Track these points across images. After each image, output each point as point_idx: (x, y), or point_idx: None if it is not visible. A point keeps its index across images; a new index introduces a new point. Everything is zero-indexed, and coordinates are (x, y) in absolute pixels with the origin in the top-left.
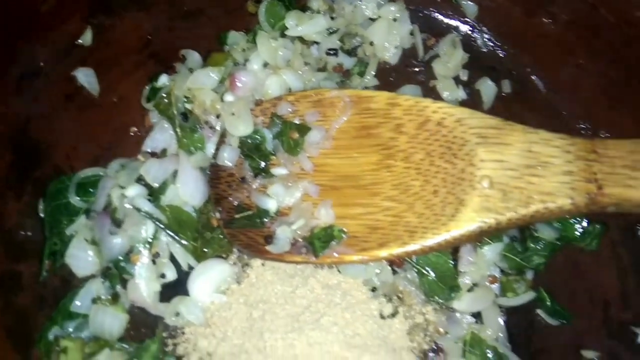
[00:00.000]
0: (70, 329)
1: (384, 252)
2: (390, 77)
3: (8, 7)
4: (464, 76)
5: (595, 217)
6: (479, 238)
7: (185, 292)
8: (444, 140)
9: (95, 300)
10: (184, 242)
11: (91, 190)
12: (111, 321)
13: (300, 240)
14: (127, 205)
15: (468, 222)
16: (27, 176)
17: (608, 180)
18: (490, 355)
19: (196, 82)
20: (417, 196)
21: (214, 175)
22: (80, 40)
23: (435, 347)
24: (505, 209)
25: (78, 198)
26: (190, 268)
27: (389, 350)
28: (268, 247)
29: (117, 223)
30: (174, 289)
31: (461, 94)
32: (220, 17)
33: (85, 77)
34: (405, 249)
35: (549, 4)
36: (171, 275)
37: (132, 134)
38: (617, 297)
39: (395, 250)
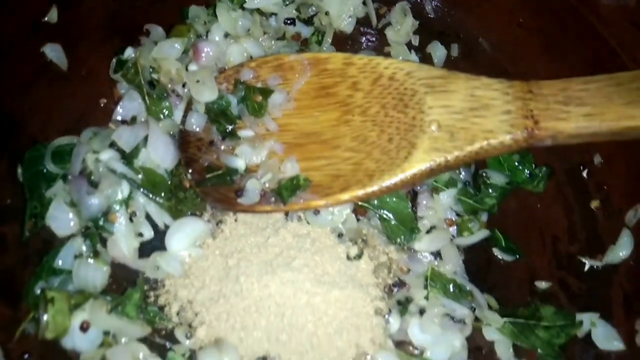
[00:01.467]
0: (55, 284)
1: (346, 195)
2: (347, 46)
3: None
4: (416, 41)
5: (542, 161)
6: (432, 176)
7: (162, 250)
8: (396, 92)
9: (77, 257)
10: (159, 200)
11: (66, 157)
12: (94, 274)
13: (268, 191)
14: (102, 168)
15: (420, 162)
16: (4, 146)
17: (543, 115)
18: (450, 287)
19: (161, 52)
20: (374, 145)
21: (183, 140)
22: (46, 18)
23: (399, 282)
24: (453, 148)
25: (54, 165)
26: (166, 227)
27: (356, 285)
28: (239, 200)
29: (94, 185)
30: (151, 248)
31: (414, 57)
32: None
33: (54, 52)
34: (366, 190)
35: None
36: (148, 233)
37: (102, 105)
38: (565, 233)
39: (357, 192)
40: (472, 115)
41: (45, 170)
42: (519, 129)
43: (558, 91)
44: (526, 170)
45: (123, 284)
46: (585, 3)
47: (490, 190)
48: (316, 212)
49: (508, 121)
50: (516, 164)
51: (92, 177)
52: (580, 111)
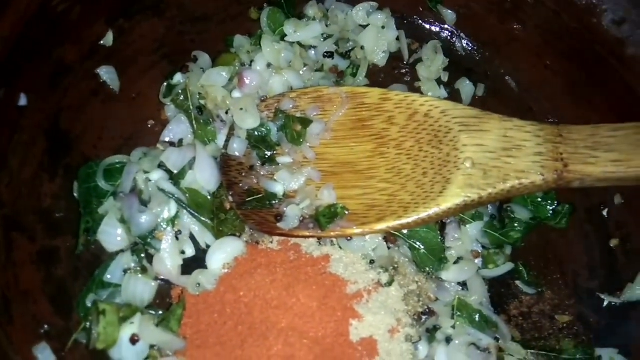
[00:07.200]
0: (104, 297)
1: (382, 225)
2: (379, 78)
3: (43, 13)
4: (445, 77)
5: (564, 199)
6: (464, 210)
7: (202, 268)
8: (431, 129)
9: (126, 271)
10: (204, 219)
11: (117, 175)
12: (143, 288)
13: (307, 217)
14: (152, 188)
15: (454, 197)
16: (59, 161)
17: (572, 159)
18: (476, 317)
19: (208, 79)
20: (409, 177)
21: (225, 164)
22: (102, 42)
23: (428, 310)
24: (486, 185)
25: (105, 182)
26: (207, 246)
27: (388, 312)
28: (279, 225)
29: (144, 203)
30: (192, 265)
31: (443, 93)
32: (225, 22)
33: (108, 74)
34: (401, 221)
35: (518, 12)
36: (190, 252)
37: (149, 126)
38: (585, 269)
39: (392, 223)
40: (505, 155)
41: (96, 186)
42: (550, 171)
43: (587, 136)
44: (549, 207)
45: (166, 300)
46: (611, 52)
47: (515, 225)
48: (349, 237)
49: (539, 163)
50: (539, 200)
51: (142, 196)
52: (608, 157)
